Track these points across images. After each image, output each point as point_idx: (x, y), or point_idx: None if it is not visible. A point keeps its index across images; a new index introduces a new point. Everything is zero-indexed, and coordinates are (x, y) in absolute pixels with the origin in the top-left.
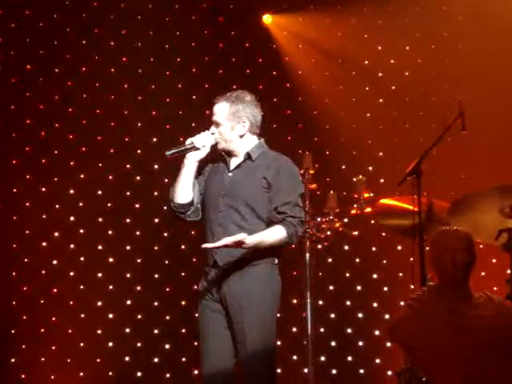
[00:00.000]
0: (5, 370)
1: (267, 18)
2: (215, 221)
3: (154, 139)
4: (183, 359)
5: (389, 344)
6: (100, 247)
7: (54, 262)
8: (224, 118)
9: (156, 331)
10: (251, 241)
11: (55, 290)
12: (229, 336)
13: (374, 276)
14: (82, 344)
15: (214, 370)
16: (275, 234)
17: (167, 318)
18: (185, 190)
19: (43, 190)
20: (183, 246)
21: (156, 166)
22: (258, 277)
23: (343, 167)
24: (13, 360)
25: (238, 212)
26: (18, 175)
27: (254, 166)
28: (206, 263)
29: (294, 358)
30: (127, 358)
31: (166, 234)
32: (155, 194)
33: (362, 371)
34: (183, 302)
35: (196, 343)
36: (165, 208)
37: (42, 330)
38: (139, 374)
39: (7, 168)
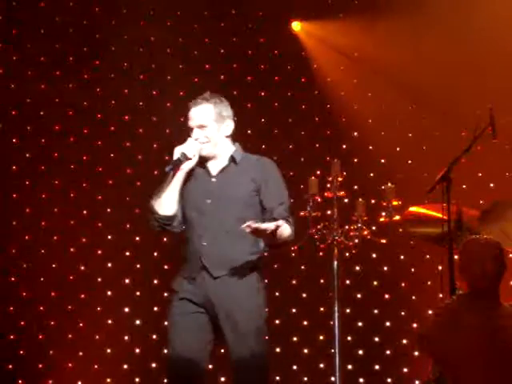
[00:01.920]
0: (33, 376)
1: (296, 25)
2: (202, 227)
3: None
4: (210, 366)
5: (416, 353)
6: (128, 253)
7: (82, 267)
8: (211, 120)
9: None
10: (282, 226)
11: (83, 296)
12: (204, 339)
13: (402, 284)
14: (109, 350)
15: (185, 371)
16: (287, 229)
17: None
18: (172, 202)
19: (71, 195)
20: None
21: None
22: (248, 284)
23: (371, 175)
24: (40, 366)
25: (227, 216)
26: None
27: (240, 170)
28: (189, 266)
29: (321, 366)
30: (154, 365)
31: None
32: None
33: (389, 380)
34: None
35: (223, 350)
36: None
37: (70, 336)
38: (165, 380)
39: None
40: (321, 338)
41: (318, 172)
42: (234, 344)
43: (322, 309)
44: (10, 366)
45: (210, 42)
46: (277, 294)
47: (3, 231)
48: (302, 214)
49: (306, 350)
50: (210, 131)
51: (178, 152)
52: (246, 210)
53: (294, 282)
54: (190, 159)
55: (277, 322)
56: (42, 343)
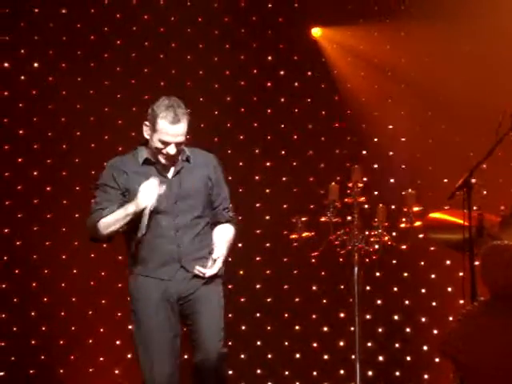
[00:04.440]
0: (53, 381)
1: (316, 31)
2: (170, 227)
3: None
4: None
5: (437, 359)
6: None
7: (102, 273)
8: (185, 134)
9: None
10: (225, 252)
11: (103, 302)
12: (176, 336)
13: (423, 290)
14: (129, 355)
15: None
16: (231, 234)
17: None
18: (118, 229)
19: (92, 200)
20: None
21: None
22: (217, 279)
23: (392, 180)
24: (61, 371)
25: (193, 213)
26: None
27: (194, 167)
28: (160, 271)
29: (342, 372)
30: None
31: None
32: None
33: None
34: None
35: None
36: None
37: (90, 341)
38: None
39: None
40: (341, 344)
41: (338, 178)
42: (202, 338)
43: (342, 315)
44: (32, 371)
45: (229, 48)
46: (297, 299)
47: (24, 237)
48: (322, 219)
49: (326, 356)
50: (183, 144)
51: (143, 195)
52: (205, 207)
53: (314, 287)
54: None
55: (297, 327)
56: (63, 348)
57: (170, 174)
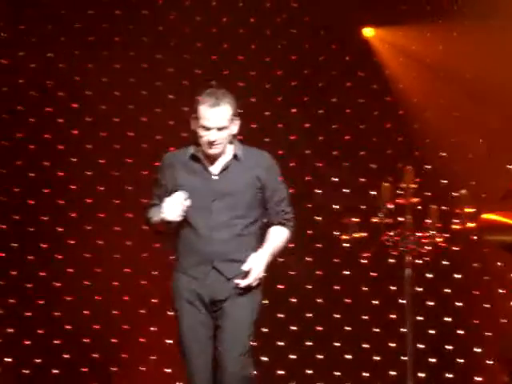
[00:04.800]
0: (107, 380)
1: (369, 31)
2: (206, 225)
3: None
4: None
5: (490, 362)
6: None
7: (155, 272)
8: (228, 121)
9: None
10: (267, 259)
11: (155, 301)
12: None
13: (475, 292)
14: None
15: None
16: (281, 238)
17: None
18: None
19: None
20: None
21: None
22: (254, 289)
23: (444, 181)
24: (114, 369)
25: (232, 215)
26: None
27: (243, 167)
28: (191, 264)
29: (393, 373)
30: None
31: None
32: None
33: None
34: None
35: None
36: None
37: (143, 340)
38: None
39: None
40: (392, 345)
41: (390, 178)
42: (228, 345)
43: (393, 316)
44: (84, 369)
45: (281, 48)
46: (347, 300)
47: (78, 236)
48: (374, 220)
49: (376, 357)
50: (227, 132)
51: (167, 210)
52: (251, 209)
53: (364, 288)
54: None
55: (348, 328)
56: (115, 347)
57: (215, 171)
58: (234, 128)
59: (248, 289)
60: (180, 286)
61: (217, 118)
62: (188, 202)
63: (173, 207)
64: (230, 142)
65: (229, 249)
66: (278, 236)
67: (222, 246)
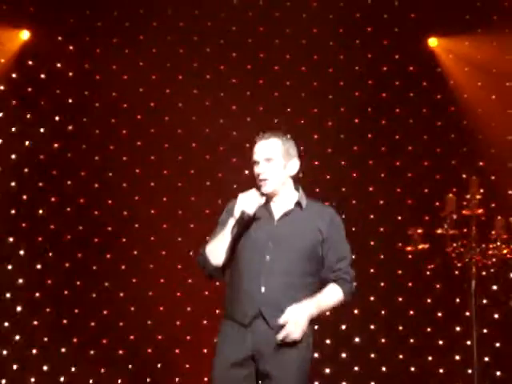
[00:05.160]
0: None
1: (433, 41)
2: (259, 272)
3: (316, 162)
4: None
5: None
6: None
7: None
8: (278, 155)
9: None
10: (309, 311)
11: (218, 311)
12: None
13: None
14: None
15: None
16: (333, 296)
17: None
18: (223, 251)
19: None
20: None
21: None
22: (302, 343)
23: (510, 192)
24: (177, 379)
25: (288, 264)
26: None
27: (306, 216)
28: (239, 310)
29: None
30: None
31: None
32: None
33: None
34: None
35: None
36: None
37: (205, 351)
38: None
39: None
40: (457, 357)
41: (454, 189)
42: None
43: (458, 328)
44: (149, 380)
45: (344, 58)
46: (411, 312)
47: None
48: (438, 231)
49: (441, 370)
50: (277, 166)
51: (241, 202)
52: (308, 260)
53: (428, 300)
54: (252, 216)
55: (411, 340)
56: (178, 358)
57: (276, 216)
58: (291, 167)
59: (291, 344)
60: (224, 331)
61: (264, 150)
62: (263, 200)
63: (248, 199)
64: (296, 190)
65: (279, 298)
66: (329, 292)
67: (272, 293)
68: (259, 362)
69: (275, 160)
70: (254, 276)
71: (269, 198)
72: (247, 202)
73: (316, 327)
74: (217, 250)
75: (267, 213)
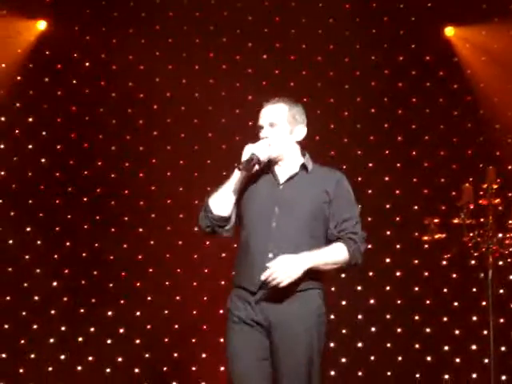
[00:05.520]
0: (186, 378)
1: (449, 31)
2: (266, 237)
3: (332, 152)
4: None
5: None
6: None
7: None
8: (283, 120)
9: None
10: (309, 260)
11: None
12: (267, 365)
13: None
14: None
15: None
16: (336, 252)
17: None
18: (228, 203)
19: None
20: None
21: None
22: (308, 304)
23: None
24: (193, 368)
25: (295, 228)
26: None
27: (312, 179)
28: (247, 277)
29: (474, 376)
30: None
31: None
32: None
33: None
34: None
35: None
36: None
37: (222, 340)
38: None
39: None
40: (473, 347)
41: (471, 179)
42: (286, 369)
43: (474, 318)
44: (165, 369)
45: (360, 48)
46: (428, 302)
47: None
48: (455, 221)
49: (458, 360)
50: (281, 131)
51: (249, 151)
52: (316, 222)
53: (445, 290)
54: (262, 162)
55: (427, 330)
56: (195, 346)
57: (281, 180)
58: (297, 133)
59: (299, 317)
60: (232, 300)
61: (269, 114)
62: (275, 153)
63: (260, 145)
64: (303, 155)
65: None
66: (331, 248)
67: (278, 255)
68: (267, 328)
69: (279, 125)
70: (261, 243)
71: (274, 162)
72: (258, 147)
73: (332, 317)
74: (221, 200)
75: (271, 177)
